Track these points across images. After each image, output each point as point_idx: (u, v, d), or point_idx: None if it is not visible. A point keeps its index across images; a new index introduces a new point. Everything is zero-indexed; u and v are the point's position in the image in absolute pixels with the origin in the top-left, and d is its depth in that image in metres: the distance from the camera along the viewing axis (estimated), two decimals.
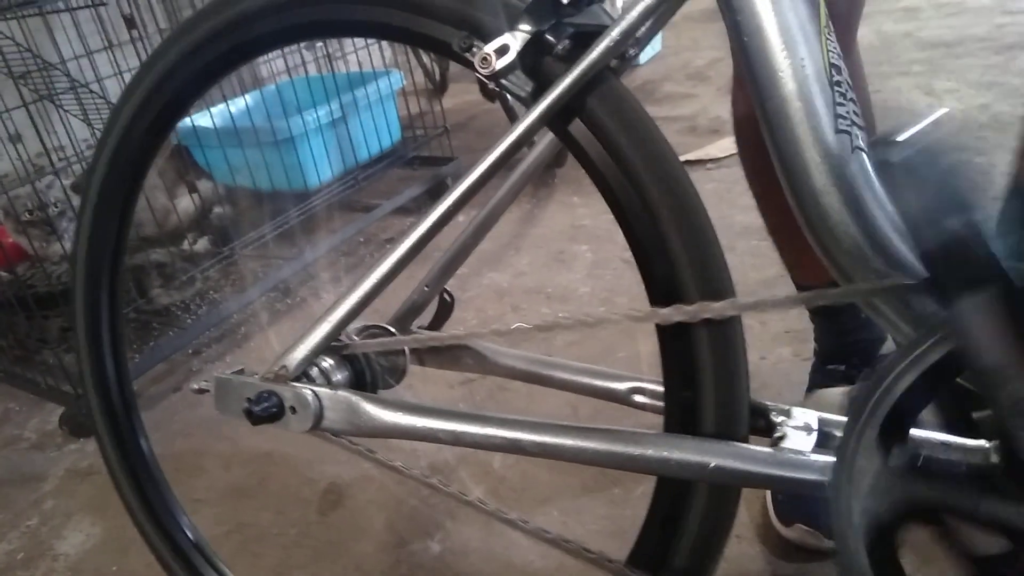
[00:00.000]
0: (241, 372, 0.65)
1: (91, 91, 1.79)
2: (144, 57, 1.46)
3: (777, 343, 1.26)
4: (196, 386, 0.71)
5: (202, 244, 1.96)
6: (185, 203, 2.05)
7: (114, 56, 1.72)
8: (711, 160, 2.15)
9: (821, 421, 0.53)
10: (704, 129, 2.43)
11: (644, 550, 0.57)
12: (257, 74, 2.49)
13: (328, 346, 0.61)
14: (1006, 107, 2.07)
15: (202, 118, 2.03)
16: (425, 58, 3.14)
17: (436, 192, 2.15)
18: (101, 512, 1.22)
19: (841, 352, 0.98)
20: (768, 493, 0.94)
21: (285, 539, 1.09)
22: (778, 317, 1.31)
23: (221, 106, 2.05)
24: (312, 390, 0.60)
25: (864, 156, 0.49)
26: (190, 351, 1.66)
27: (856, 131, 0.49)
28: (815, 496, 0.77)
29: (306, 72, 2.23)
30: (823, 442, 0.51)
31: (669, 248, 0.51)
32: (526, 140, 0.54)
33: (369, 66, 2.25)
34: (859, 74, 0.87)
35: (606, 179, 0.53)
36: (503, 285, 1.71)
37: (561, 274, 1.71)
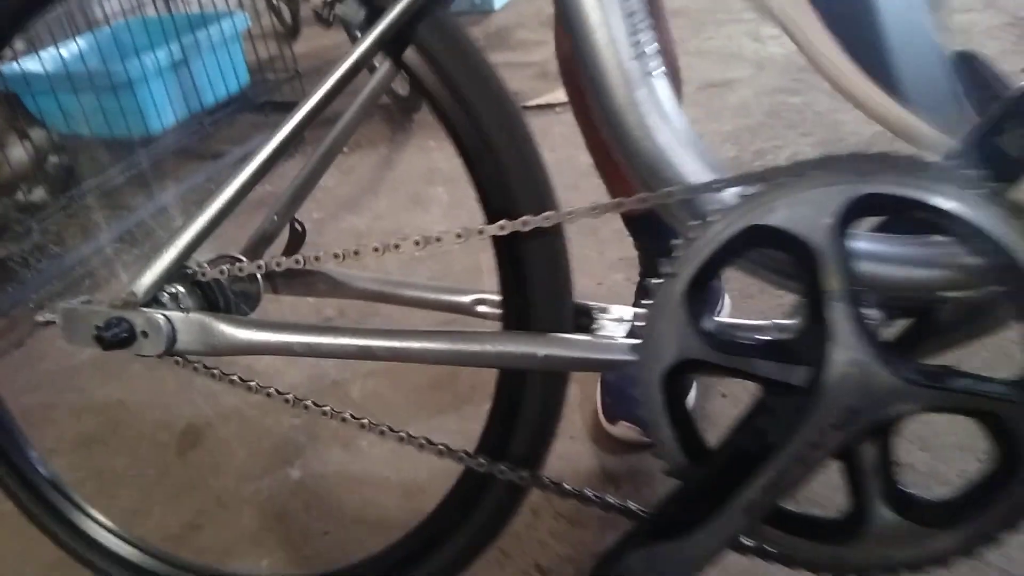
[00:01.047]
0: (88, 302, 0.65)
1: None
2: None
3: (612, 270, 1.37)
4: (41, 318, 0.70)
5: (38, 195, 1.86)
6: (17, 152, 1.93)
7: None
8: (559, 104, 2.23)
9: (634, 315, 0.61)
10: (554, 75, 2.46)
11: (489, 440, 0.64)
12: (91, 15, 2.35)
13: (177, 272, 0.63)
14: None
15: (31, 62, 1.91)
16: None
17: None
18: None
19: (655, 260, 1.09)
20: (598, 396, 1.04)
21: (143, 480, 1.11)
22: (613, 247, 1.42)
23: (52, 50, 1.93)
24: (163, 314, 0.61)
25: (655, 79, 0.57)
26: (31, 306, 1.59)
27: (649, 58, 0.56)
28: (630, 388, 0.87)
29: (143, 14, 2.12)
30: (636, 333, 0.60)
31: (500, 164, 0.57)
32: (362, 65, 0.58)
33: (212, 7, 2.18)
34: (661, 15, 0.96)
35: (440, 102, 0.58)
36: (361, 228, 1.73)
37: (418, 216, 1.76)
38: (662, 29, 0.93)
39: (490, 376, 1.18)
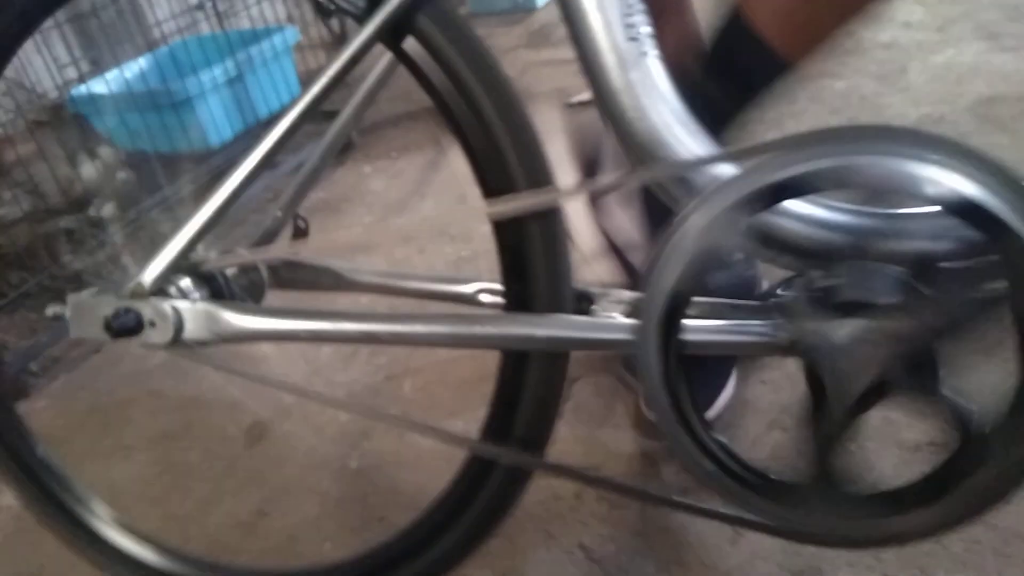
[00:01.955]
0: (97, 293, 0.66)
1: None
2: None
3: None
4: (51, 311, 0.71)
5: (108, 210, 1.97)
6: (87, 170, 2.05)
7: None
8: (582, 103, 2.26)
9: (633, 298, 0.63)
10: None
11: (492, 425, 0.66)
12: (149, 36, 2.47)
13: (182, 263, 0.64)
14: (868, 33, 2.22)
15: (97, 84, 2.02)
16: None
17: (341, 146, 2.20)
18: None
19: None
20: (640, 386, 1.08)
21: (214, 472, 1.18)
22: None
23: (115, 71, 2.05)
24: (170, 304, 0.62)
25: (650, 60, 0.59)
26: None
27: (645, 39, 0.59)
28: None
29: (198, 31, 2.23)
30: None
31: (499, 149, 0.59)
32: (361, 56, 0.60)
33: (263, 23, 2.27)
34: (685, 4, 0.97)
35: (439, 91, 0.60)
36: (409, 230, 1.79)
37: (463, 216, 1.81)
38: (686, 17, 0.95)
39: None
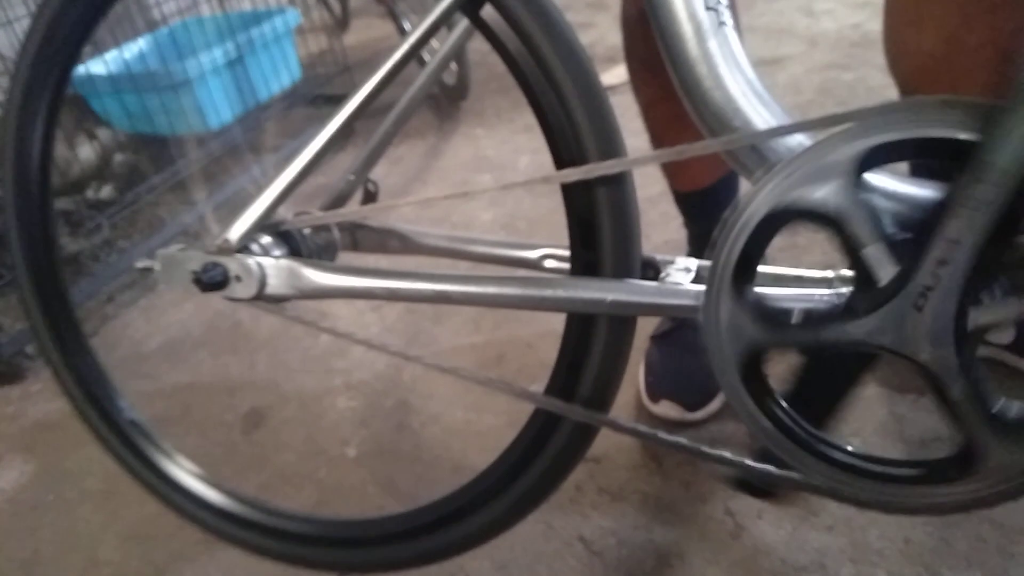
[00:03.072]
0: (185, 249, 0.70)
1: None
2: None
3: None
4: (141, 265, 0.76)
5: (106, 191, 1.96)
6: (86, 152, 2.03)
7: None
8: (607, 87, 2.24)
9: (699, 267, 0.63)
10: (601, 57, 2.50)
11: (557, 382, 0.66)
12: (149, 17, 2.44)
13: (265, 223, 0.67)
14: (876, 25, 2.21)
15: (96, 65, 2.00)
16: None
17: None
18: (31, 451, 1.27)
19: (704, 237, 1.11)
20: (641, 376, 1.06)
21: (211, 458, 1.17)
22: (659, 229, 1.43)
23: (114, 52, 2.03)
24: (255, 260, 0.66)
25: (728, 30, 0.59)
26: (104, 298, 1.69)
27: (722, 8, 0.59)
28: (681, 371, 0.88)
29: (198, 13, 2.20)
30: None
31: (572, 116, 0.59)
32: (441, 24, 0.62)
33: (264, 4, 2.24)
34: None
35: (515, 59, 0.61)
36: (410, 216, 1.78)
37: (465, 203, 1.79)
38: None
39: (535, 359, 1.21)
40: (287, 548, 0.84)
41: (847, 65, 1.99)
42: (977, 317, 0.47)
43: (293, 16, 2.27)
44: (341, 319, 1.42)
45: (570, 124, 0.60)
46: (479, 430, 1.10)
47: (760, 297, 0.54)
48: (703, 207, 1.09)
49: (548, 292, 0.60)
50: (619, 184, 0.60)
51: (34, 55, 0.80)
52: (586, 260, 0.62)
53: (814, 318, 0.54)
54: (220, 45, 2.04)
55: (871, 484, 0.54)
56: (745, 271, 0.52)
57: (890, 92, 1.82)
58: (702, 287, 0.54)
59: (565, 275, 0.68)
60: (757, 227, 0.51)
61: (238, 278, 0.66)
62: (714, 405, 1.01)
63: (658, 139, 1.03)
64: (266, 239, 0.68)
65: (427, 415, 1.16)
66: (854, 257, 0.50)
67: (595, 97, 0.60)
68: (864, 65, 1.97)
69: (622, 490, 0.96)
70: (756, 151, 0.57)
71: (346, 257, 0.78)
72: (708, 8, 0.58)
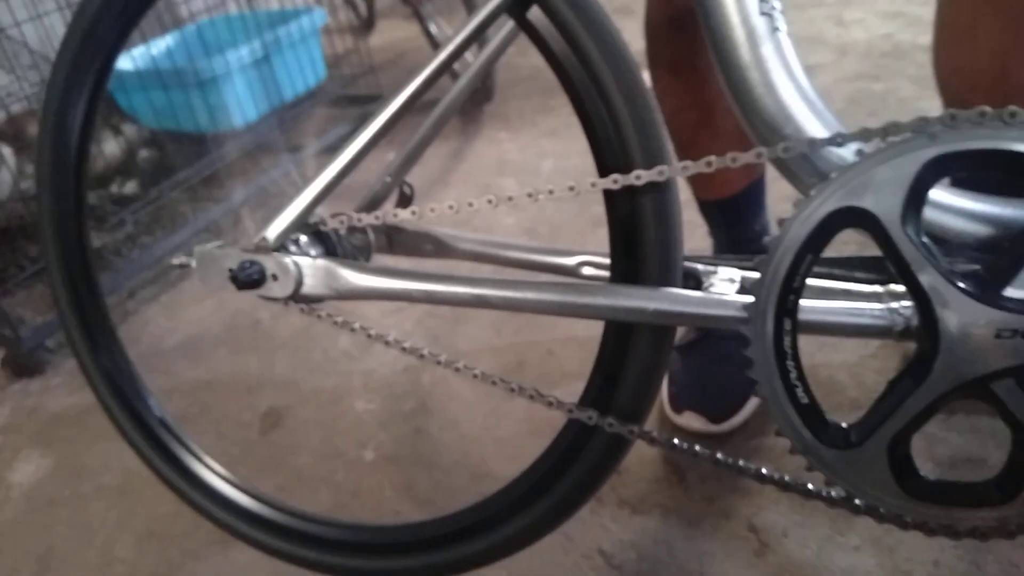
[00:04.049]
0: (222, 246, 0.69)
1: (9, 36, 1.76)
2: None
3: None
4: (177, 261, 0.75)
5: (130, 187, 1.97)
6: (111, 147, 2.04)
7: None
8: None
9: (743, 278, 0.61)
10: None
11: (592, 392, 0.64)
12: (177, 14, 2.46)
13: (302, 223, 0.66)
14: (907, 36, 2.18)
15: (123, 60, 2.01)
16: None
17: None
18: (49, 445, 1.27)
19: (730, 245, 1.09)
20: (664, 387, 1.05)
21: (228, 457, 1.16)
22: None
23: (142, 48, 2.04)
24: (292, 259, 0.65)
25: (781, 35, 0.57)
26: (125, 294, 1.69)
27: (776, 14, 0.57)
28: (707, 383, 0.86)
29: (226, 11, 2.21)
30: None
31: (617, 120, 0.58)
32: (487, 25, 0.61)
33: (291, 3, 2.25)
34: None
35: (560, 62, 0.60)
36: (432, 219, 1.77)
37: (485, 207, 1.78)
38: None
39: (556, 366, 1.20)
40: (320, 555, 0.83)
41: (877, 76, 1.96)
42: None
43: (320, 16, 2.28)
44: (360, 321, 1.41)
45: (616, 129, 0.58)
46: (498, 437, 1.09)
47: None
48: (729, 216, 1.07)
49: (589, 299, 0.59)
50: (664, 191, 0.59)
51: (75, 50, 0.80)
52: (627, 268, 0.61)
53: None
54: (247, 43, 2.04)
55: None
56: (794, 285, 0.51)
57: (922, 104, 1.80)
58: (748, 298, 0.52)
59: (604, 282, 0.67)
60: (809, 238, 0.49)
61: (275, 277, 0.65)
62: (739, 418, 0.99)
63: (684, 147, 1.02)
64: (303, 239, 0.67)
65: (446, 420, 1.15)
66: (913, 283, 0.48)
67: (642, 102, 0.59)
68: (895, 76, 1.94)
69: (643, 503, 0.94)
70: (807, 160, 0.55)
71: (378, 259, 0.78)
72: (762, 13, 0.56)
